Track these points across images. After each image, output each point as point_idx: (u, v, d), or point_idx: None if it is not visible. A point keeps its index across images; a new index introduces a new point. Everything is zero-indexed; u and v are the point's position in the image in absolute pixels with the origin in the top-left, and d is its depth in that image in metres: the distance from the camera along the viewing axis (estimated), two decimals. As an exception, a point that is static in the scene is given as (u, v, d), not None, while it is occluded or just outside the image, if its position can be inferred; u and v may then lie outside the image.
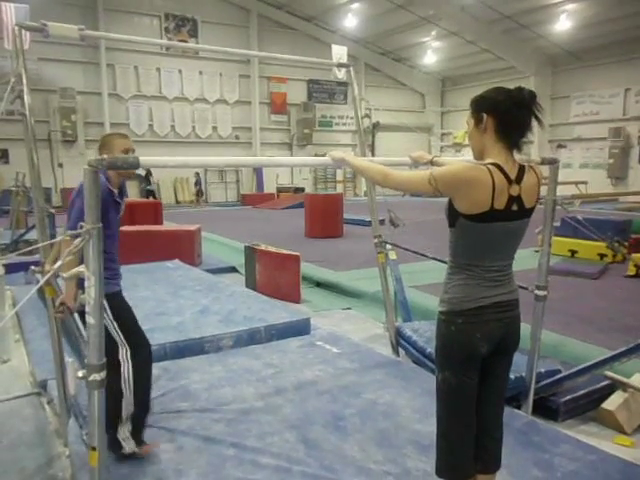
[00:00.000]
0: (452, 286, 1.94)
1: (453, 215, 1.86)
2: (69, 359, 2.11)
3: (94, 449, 1.91)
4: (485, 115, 1.85)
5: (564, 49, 21.81)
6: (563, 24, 19.55)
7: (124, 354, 2.54)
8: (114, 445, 2.53)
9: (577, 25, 19.45)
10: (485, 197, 1.77)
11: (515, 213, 1.84)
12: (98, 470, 1.92)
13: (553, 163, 2.92)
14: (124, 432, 2.57)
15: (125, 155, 1.78)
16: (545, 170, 2.37)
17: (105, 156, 1.74)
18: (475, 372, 1.97)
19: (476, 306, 1.89)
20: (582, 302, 5.95)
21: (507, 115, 1.82)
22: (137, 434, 2.62)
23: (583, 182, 19.98)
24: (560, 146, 23.26)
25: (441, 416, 2.03)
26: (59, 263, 1.69)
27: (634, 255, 7.11)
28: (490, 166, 1.79)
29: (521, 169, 1.85)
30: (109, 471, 2.41)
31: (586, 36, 20.15)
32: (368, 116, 25.35)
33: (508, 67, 23.20)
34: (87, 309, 1.80)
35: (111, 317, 2.51)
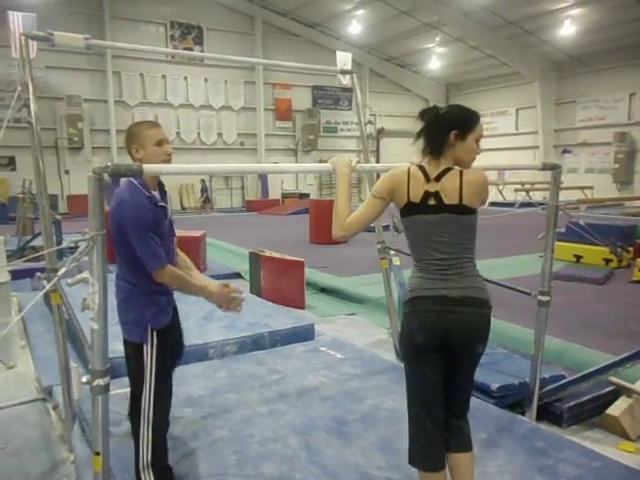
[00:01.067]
0: (409, 280, 2.16)
1: None
2: (73, 364, 2.12)
3: (98, 454, 1.93)
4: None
5: (569, 54, 21.81)
6: (567, 29, 19.55)
7: (148, 394, 2.31)
8: None
9: (581, 30, 19.45)
10: (403, 191, 2.05)
11: (432, 207, 2.02)
12: (102, 475, 1.94)
13: (554, 169, 2.93)
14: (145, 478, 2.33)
15: (129, 163, 1.79)
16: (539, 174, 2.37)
17: (109, 163, 1.77)
18: (428, 365, 2.06)
19: (416, 296, 2.07)
20: (587, 308, 5.93)
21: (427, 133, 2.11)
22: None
23: (589, 187, 19.94)
24: (565, 151, 23.23)
25: (408, 407, 2.17)
26: (63, 270, 1.71)
27: (639, 260, 7.09)
28: (413, 166, 2.09)
29: (444, 171, 2.04)
30: (112, 475, 2.43)
31: (591, 41, 20.15)
32: (371, 122, 25.43)
33: (513, 72, 23.23)
34: (91, 315, 1.82)
35: (154, 355, 2.29)
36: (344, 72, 4.30)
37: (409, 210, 2.05)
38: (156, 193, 2.31)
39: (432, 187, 2.02)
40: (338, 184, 2.19)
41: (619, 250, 5.70)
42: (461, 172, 2.04)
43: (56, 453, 3.09)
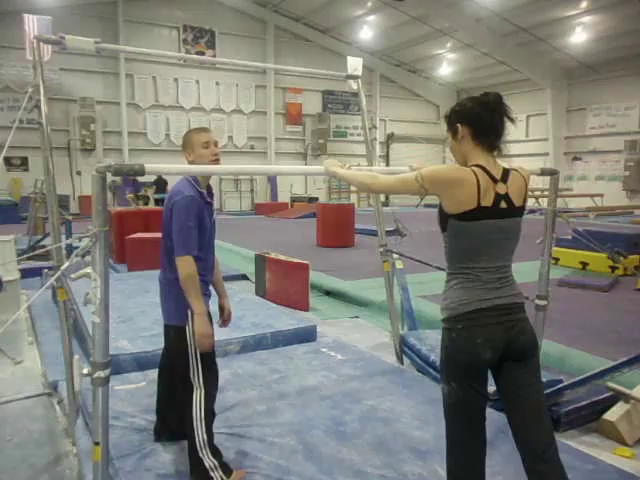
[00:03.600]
0: (450, 291, 1.95)
1: (444, 218, 1.92)
2: (75, 356, 2.19)
3: (97, 444, 1.99)
4: (459, 125, 1.93)
5: (580, 62, 21.76)
6: (579, 37, 19.54)
7: (197, 377, 2.46)
8: (203, 473, 2.44)
9: (593, 38, 19.42)
10: (471, 195, 1.82)
11: (505, 210, 1.88)
12: (101, 464, 2.00)
13: (553, 174, 2.96)
14: (208, 461, 2.43)
15: (131, 163, 1.87)
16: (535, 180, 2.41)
17: (112, 162, 1.84)
18: (483, 383, 1.93)
19: (474, 309, 1.87)
20: (590, 315, 5.93)
21: (479, 119, 1.90)
22: (221, 461, 2.48)
23: (599, 195, 19.86)
24: (576, 158, 23.16)
25: (450, 434, 1.99)
26: (66, 264, 1.78)
27: (645, 268, 7.08)
28: (474, 167, 1.86)
29: (505, 170, 1.91)
30: (112, 465, 2.50)
31: (602, 49, 20.11)
32: (375, 127, 25.42)
33: (524, 79, 23.20)
34: (92, 309, 1.89)
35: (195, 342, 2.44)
36: (349, 77, 4.36)
37: (478, 215, 1.83)
38: (206, 193, 2.56)
39: (501, 189, 1.87)
40: (343, 175, 2.17)
41: (616, 255, 5.73)
42: (516, 169, 1.95)
43: (60, 446, 3.16)
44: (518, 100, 24.74)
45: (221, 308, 2.84)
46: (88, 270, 1.86)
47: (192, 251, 2.40)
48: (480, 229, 1.86)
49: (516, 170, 1.96)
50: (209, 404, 2.51)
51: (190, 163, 2.54)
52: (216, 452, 2.49)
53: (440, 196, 1.88)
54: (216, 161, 2.55)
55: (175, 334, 2.53)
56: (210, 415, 2.52)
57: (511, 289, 1.95)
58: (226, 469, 2.47)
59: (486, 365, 1.91)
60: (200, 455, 2.44)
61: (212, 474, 2.42)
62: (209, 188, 2.61)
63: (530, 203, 18.60)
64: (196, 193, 2.46)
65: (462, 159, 1.97)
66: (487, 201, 1.84)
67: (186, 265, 2.39)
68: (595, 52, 20.53)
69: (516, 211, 1.92)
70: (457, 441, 1.98)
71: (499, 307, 1.89)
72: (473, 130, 1.91)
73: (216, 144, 2.56)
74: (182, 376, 2.50)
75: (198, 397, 2.46)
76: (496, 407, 3.37)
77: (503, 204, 1.87)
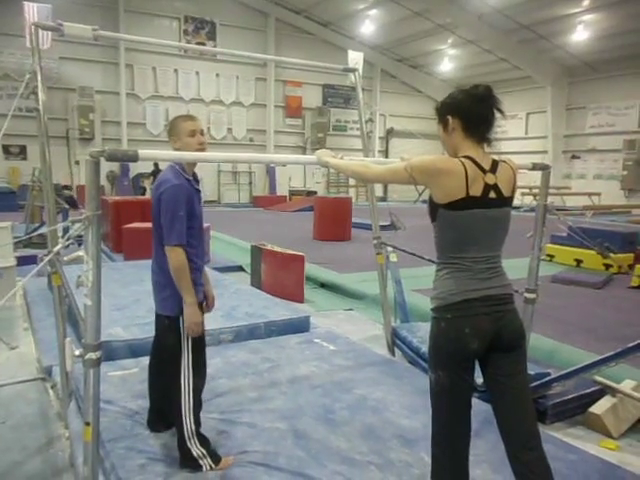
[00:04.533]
0: (440, 281, 1.97)
1: (434, 208, 1.94)
2: (67, 338, 2.22)
3: (88, 424, 2.02)
4: (450, 117, 1.96)
5: (581, 60, 21.75)
6: (580, 35, 19.51)
7: (187, 363, 2.48)
8: (192, 463, 2.49)
9: (594, 36, 19.40)
10: (459, 185, 1.84)
11: (494, 201, 1.90)
12: (92, 444, 2.04)
13: (544, 169, 3.00)
14: (196, 450, 2.48)
15: (125, 148, 1.90)
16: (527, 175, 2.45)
17: (106, 148, 1.87)
18: (470, 373, 1.95)
19: (464, 299, 1.89)
20: (583, 311, 5.98)
21: (469, 111, 1.93)
22: (209, 448, 2.53)
23: (596, 193, 19.91)
24: (574, 157, 23.19)
25: (435, 421, 2.03)
26: (59, 246, 1.81)
27: (638, 266, 7.12)
28: (462, 159, 1.89)
29: (494, 161, 1.94)
30: (104, 447, 2.54)
31: (603, 48, 20.10)
32: (372, 120, 25.38)
33: (524, 77, 23.18)
34: (85, 291, 1.92)
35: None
36: (347, 70, 4.39)
37: (468, 204, 1.86)
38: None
39: (490, 179, 1.90)
40: (336, 164, 2.22)
41: (605, 251, 5.79)
42: (504, 160, 1.98)
43: (53, 429, 3.20)
44: (518, 97, 24.77)
45: (204, 295, 2.79)
46: (81, 253, 1.89)
47: (182, 241, 2.41)
48: (469, 218, 1.88)
49: (505, 162, 1.99)
50: (197, 395, 2.54)
51: (175, 150, 2.53)
52: (204, 440, 2.53)
53: (429, 186, 1.91)
54: (202, 150, 2.53)
55: (168, 324, 2.53)
56: (198, 406, 2.55)
57: (501, 280, 1.97)
58: (214, 456, 2.52)
59: (473, 355, 1.93)
60: (188, 445, 2.48)
61: (201, 462, 2.48)
62: (194, 175, 2.61)
63: (528, 201, 18.67)
64: (184, 181, 2.46)
65: (452, 151, 1.99)
66: (476, 191, 1.86)
67: (176, 255, 2.40)
68: (596, 51, 20.52)
69: (505, 201, 1.94)
70: (442, 428, 2.01)
71: (488, 297, 1.91)
72: (464, 122, 1.94)
73: (202, 132, 2.55)
74: (172, 366, 2.51)
75: (187, 388, 2.48)
76: (483, 398, 3.43)
77: (492, 194, 1.89)
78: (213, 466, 2.48)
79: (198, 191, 2.59)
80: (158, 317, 2.65)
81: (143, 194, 18.84)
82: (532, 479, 1.91)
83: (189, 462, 2.49)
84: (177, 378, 2.49)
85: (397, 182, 2.02)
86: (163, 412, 2.81)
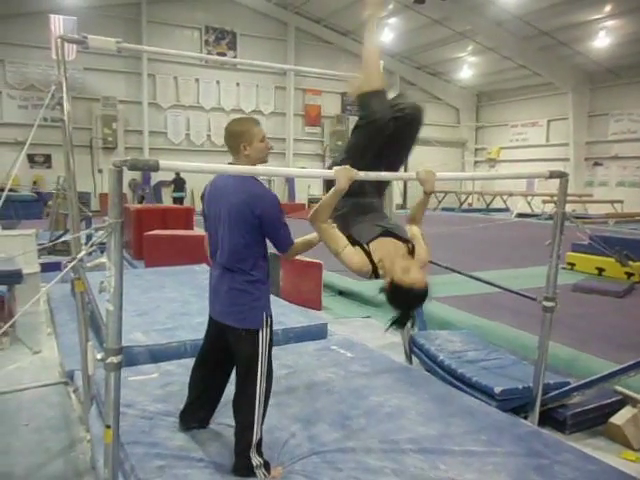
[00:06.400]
0: None
1: None
2: (89, 342, 2.28)
3: (109, 427, 2.08)
4: None
5: (603, 66, 21.50)
6: (602, 41, 19.29)
7: (262, 372, 2.51)
8: (248, 472, 2.51)
9: (616, 42, 19.17)
10: None
11: None
12: (112, 446, 2.09)
13: (561, 177, 2.99)
14: (256, 459, 2.50)
15: (147, 158, 1.95)
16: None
17: (129, 158, 1.92)
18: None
19: None
20: (604, 320, 5.90)
21: None
22: (264, 459, 2.56)
23: (619, 201, 19.60)
24: (596, 164, 22.88)
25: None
26: (83, 252, 1.87)
27: (661, 275, 7.01)
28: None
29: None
30: (124, 450, 2.59)
31: (625, 53, 19.85)
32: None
33: (545, 83, 23.01)
34: (107, 297, 1.98)
35: (267, 340, 2.51)
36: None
37: None
38: None
39: None
40: (330, 194, 2.36)
41: (624, 258, 5.72)
42: None
43: (74, 432, 3.28)
44: (539, 104, 24.59)
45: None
46: (103, 260, 1.95)
47: (293, 240, 2.59)
48: None
49: None
50: (267, 404, 2.59)
51: (245, 157, 2.49)
52: (262, 451, 2.57)
53: None
54: (268, 155, 2.60)
55: (246, 335, 2.51)
56: (264, 417, 2.58)
57: None
58: (268, 467, 2.54)
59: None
60: (250, 453, 2.50)
61: (257, 472, 2.49)
62: None
63: (548, 209, 18.48)
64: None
65: None
66: None
67: (294, 249, 2.64)
68: (618, 56, 20.26)
69: None
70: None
71: None
72: None
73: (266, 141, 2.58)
74: (244, 379, 2.55)
75: (261, 397, 2.51)
76: (502, 408, 3.42)
77: None
78: (266, 475, 2.50)
79: None
80: (234, 330, 2.54)
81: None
82: None
83: (245, 471, 2.49)
84: (250, 386, 2.50)
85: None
86: (200, 408, 2.89)
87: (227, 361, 2.73)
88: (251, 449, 2.50)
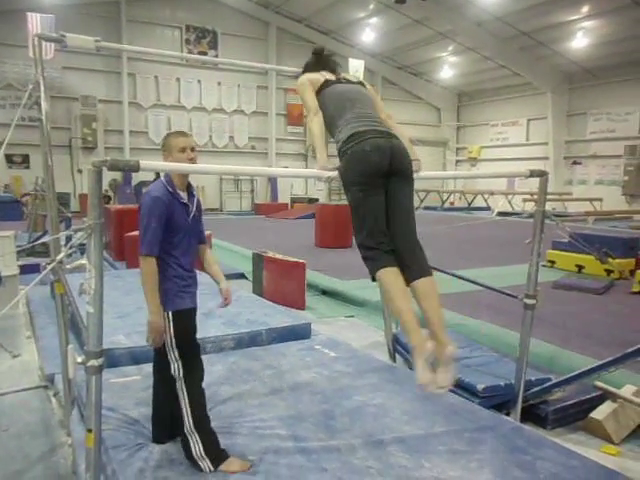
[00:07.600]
0: (340, 135, 2.58)
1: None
2: (70, 345, 2.25)
3: (90, 431, 2.05)
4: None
5: (581, 66, 21.83)
6: (580, 41, 19.62)
7: (177, 370, 2.55)
8: (195, 465, 2.55)
9: (594, 43, 19.50)
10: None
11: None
12: (94, 450, 2.06)
13: (542, 176, 3.02)
14: (196, 451, 2.54)
15: (127, 159, 1.93)
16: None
17: (109, 158, 1.90)
18: (378, 189, 2.39)
19: (355, 131, 2.46)
20: (584, 317, 5.98)
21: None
22: (210, 449, 2.57)
23: (598, 199, 19.91)
24: (575, 163, 23.21)
25: (355, 219, 2.47)
26: (62, 254, 1.84)
27: (639, 272, 7.13)
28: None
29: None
30: (106, 454, 2.55)
31: (603, 54, 20.19)
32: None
33: (525, 83, 23.29)
34: (87, 299, 1.95)
35: (172, 334, 2.55)
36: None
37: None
38: (184, 194, 2.63)
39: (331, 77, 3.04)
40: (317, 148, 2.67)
41: (604, 256, 5.81)
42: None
43: (55, 437, 3.22)
44: (519, 104, 24.88)
45: (221, 291, 2.96)
46: (83, 261, 1.92)
47: (151, 252, 2.47)
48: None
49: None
50: (193, 395, 2.58)
51: None
52: (209, 442, 2.57)
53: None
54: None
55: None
56: (197, 406, 2.59)
57: (383, 124, 2.57)
58: (218, 457, 2.56)
59: (377, 168, 2.38)
60: (189, 437, 2.54)
61: (201, 464, 2.52)
62: (189, 188, 2.68)
63: (528, 207, 18.68)
64: (165, 194, 2.51)
65: None
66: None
67: (146, 264, 2.47)
68: (596, 57, 20.60)
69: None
70: (361, 221, 2.44)
71: (375, 130, 2.47)
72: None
73: (192, 149, 2.61)
74: (163, 372, 2.61)
75: (180, 388, 2.55)
76: (485, 405, 3.45)
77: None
78: (211, 468, 2.53)
79: (186, 205, 2.62)
80: None
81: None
82: (415, 269, 2.48)
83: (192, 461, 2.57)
84: (167, 383, 2.61)
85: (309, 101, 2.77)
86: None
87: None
88: (187, 434, 2.57)
